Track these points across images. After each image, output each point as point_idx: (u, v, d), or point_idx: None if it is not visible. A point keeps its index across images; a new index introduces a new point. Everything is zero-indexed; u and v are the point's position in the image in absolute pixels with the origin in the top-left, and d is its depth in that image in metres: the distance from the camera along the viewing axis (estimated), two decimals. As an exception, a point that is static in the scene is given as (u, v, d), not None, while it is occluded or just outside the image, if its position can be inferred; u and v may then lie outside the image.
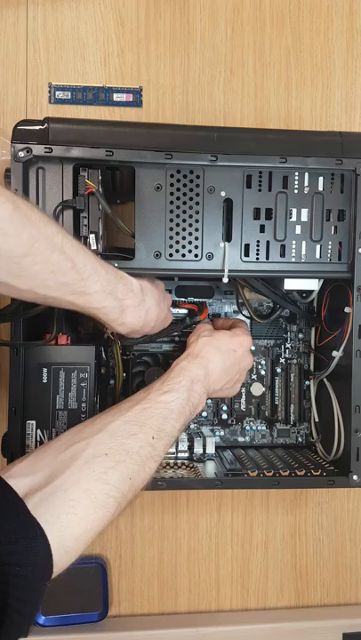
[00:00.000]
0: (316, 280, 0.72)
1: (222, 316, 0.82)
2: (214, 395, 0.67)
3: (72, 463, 0.49)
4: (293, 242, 0.69)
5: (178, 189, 0.66)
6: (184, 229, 0.67)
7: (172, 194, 0.66)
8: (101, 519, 0.48)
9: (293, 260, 0.69)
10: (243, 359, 0.69)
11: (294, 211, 0.68)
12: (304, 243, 0.69)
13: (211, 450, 0.76)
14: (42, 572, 0.44)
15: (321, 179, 0.68)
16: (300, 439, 0.83)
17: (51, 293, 0.56)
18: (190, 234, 0.67)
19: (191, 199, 0.67)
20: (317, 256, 0.69)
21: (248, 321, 0.82)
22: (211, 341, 0.67)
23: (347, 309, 0.70)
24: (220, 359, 0.66)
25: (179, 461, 0.74)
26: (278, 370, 0.83)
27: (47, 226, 0.53)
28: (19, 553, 0.41)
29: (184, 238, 0.67)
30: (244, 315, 0.82)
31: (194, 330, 0.72)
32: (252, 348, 0.82)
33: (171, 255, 0.67)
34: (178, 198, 0.67)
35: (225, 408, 0.82)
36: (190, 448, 0.77)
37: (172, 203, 0.66)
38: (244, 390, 0.82)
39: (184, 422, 0.59)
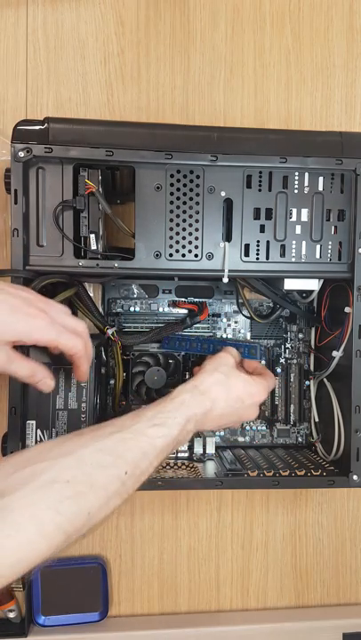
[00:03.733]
0: (316, 280, 0.72)
1: (222, 315, 0.82)
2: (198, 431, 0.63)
3: (28, 484, 0.44)
4: (293, 242, 0.69)
5: (178, 189, 0.66)
6: (184, 229, 0.67)
7: (172, 194, 0.66)
8: (45, 551, 0.43)
9: (293, 260, 0.69)
10: (247, 411, 0.65)
11: (294, 211, 0.69)
12: (304, 243, 0.69)
13: (211, 450, 0.76)
14: None
15: (321, 179, 0.68)
16: (300, 439, 0.83)
17: None
18: (190, 234, 0.67)
19: (191, 199, 0.67)
20: (317, 256, 0.69)
21: (248, 321, 0.82)
22: (224, 381, 0.62)
23: (347, 309, 0.70)
24: (225, 405, 0.62)
25: (179, 461, 0.74)
26: (278, 370, 0.83)
27: None
28: None
29: (184, 238, 0.67)
30: (244, 315, 0.82)
31: (214, 357, 0.67)
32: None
33: (171, 255, 0.67)
34: (178, 198, 0.67)
35: (225, 408, 0.82)
36: (190, 448, 0.77)
37: (172, 203, 0.66)
38: (244, 390, 0.82)
39: (163, 459, 0.55)
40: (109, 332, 0.73)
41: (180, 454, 0.76)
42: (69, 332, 0.57)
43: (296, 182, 0.68)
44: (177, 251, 0.67)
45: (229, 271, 0.68)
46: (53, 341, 0.56)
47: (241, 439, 0.82)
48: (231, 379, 0.64)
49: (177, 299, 0.80)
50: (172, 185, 0.66)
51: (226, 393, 0.62)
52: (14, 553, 0.41)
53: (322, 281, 0.73)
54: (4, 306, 0.53)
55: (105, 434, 0.51)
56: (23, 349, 0.59)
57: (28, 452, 0.50)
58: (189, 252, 0.67)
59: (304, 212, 0.69)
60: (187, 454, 0.76)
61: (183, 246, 0.67)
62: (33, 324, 0.54)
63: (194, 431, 0.60)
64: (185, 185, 0.66)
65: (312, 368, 0.82)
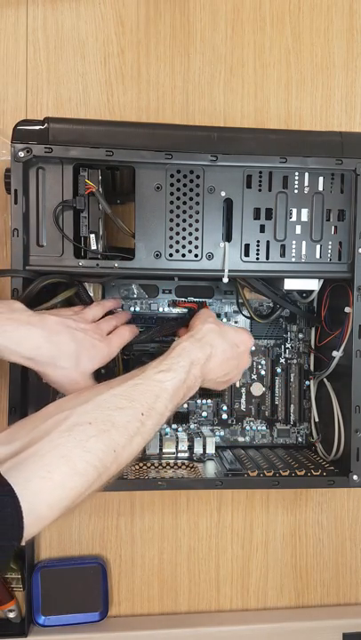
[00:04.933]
0: (316, 280, 0.72)
1: (222, 316, 0.82)
2: (206, 384, 0.65)
3: (52, 430, 0.47)
4: (293, 242, 0.69)
5: (178, 189, 0.66)
6: (184, 229, 0.67)
7: (172, 194, 0.66)
8: (79, 488, 0.45)
9: (293, 259, 0.69)
10: (242, 357, 0.68)
11: (294, 211, 0.69)
12: (304, 243, 0.69)
13: (211, 450, 0.76)
14: (8, 529, 0.40)
15: (321, 179, 0.68)
16: (300, 439, 0.83)
17: None
18: (190, 234, 0.67)
19: (191, 199, 0.67)
20: (317, 256, 0.69)
21: (248, 321, 0.82)
22: (217, 329, 0.65)
23: (347, 309, 0.70)
24: (223, 349, 0.64)
25: (179, 461, 0.74)
26: (278, 370, 0.83)
27: None
28: None
29: (184, 238, 0.67)
30: (244, 315, 0.82)
31: (197, 314, 0.71)
32: (253, 348, 0.82)
33: (171, 255, 0.67)
34: (178, 198, 0.67)
35: (225, 408, 0.82)
36: (190, 448, 0.77)
37: (172, 203, 0.66)
38: (244, 390, 0.82)
39: (177, 404, 0.58)
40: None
41: (180, 454, 0.76)
42: (118, 334, 0.67)
43: (296, 182, 0.68)
44: (177, 251, 0.67)
45: (229, 271, 0.68)
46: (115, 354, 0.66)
47: (241, 439, 0.82)
48: (222, 327, 0.66)
49: (177, 299, 0.80)
50: (172, 185, 0.66)
51: (222, 338, 0.64)
52: (51, 493, 0.43)
53: (322, 281, 0.73)
54: (90, 354, 0.63)
55: (116, 383, 0.55)
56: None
57: (47, 409, 0.53)
58: (189, 252, 0.67)
59: (304, 212, 0.69)
60: (187, 454, 0.76)
61: (183, 246, 0.67)
62: (103, 354, 0.64)
63: (201, 378, 0.62)
64: (185, 185, 0.66)
65: (312, 368, 0.82)
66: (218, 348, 0.63)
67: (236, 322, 0.82)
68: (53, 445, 0.45)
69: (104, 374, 0.77)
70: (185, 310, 0.80)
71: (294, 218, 0.69)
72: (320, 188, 0.69)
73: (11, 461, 0.44)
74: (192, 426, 0.81)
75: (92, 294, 0.75)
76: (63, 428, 0.47)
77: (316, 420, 0.81)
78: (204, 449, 0.76)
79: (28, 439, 0.47)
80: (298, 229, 0.69)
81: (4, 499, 0.40)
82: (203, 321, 0.67)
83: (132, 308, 0.80)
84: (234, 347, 0.66)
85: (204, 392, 0.81)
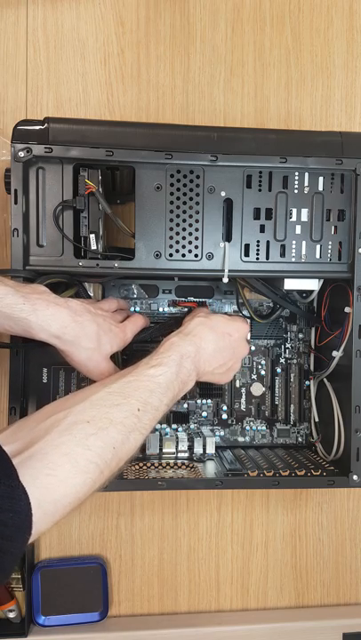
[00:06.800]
0: (316, 280, 0.72)
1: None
2: (205, 377, 0.66)
3: (52, 430, 0.48)
4: (293, 242, 0.69)
5: (178, 189, 0.66)
6: (184, 229, 0.67)
7: (172, 194, 0.66)
8: (82, 484, 0.47)
9: (293, 260, 0.69)
10: (238, 345, 0.68)
11: (294, 211, 0.69)
12: (304, 243, 0.69)
13: (211, 450, 0.76)
14: (22, 522, 0.41)
15: (321, 179, 0.68)
16: (300, 439, 0.83)
17: None
18: (190, 234, 0.67)
19: (191, 199, 0.67)
20: (317, 256, 0.69)
21: (248, 321, 0.82)
22: (205, 322, 0.66)
23: (347, 309, 0.70)
24: (214, 340, 0.65)
25: (179, 461, 0.74)
26: (278, 370, 0.83)
27: None
28: None
29: (184, 238, 0.67)
30: (244, 315, 0.81)
31: (191, 312, 0.73)
32: (250, 342, 0.82)
33: (171, 255, 0.67)
34: (178, 198, 0.67)
35: (225, 408, 0.82)
36: (190, 448, 0.77)
37: (172, 203, 0.66)
38: (244, 390, 0.82)
39: (172, 398, 0.58)
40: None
41: (180, 454, 0.76)
42: (131, 321, 0.70)
43: (296, 182, 0.68)
44: (177, 251, 0.67)
45: (229, 271, 0.68)
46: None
47: (241, 439, 0.82)
48: (211, 319, 0.67)
49: (177, 299, 0.80)
50: (172, 185, 0.66)
51: (211, 330, 0.66)
52: (56, 489, 0.45)
53: (322, 281, 0.73)
54: (108, 337, 0.64)
55: (110, 381, 0.57)
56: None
57: (44, 409, 0.55)
58: (189, 252, 0.67)
59: (304, 212, 0.69)
60: (187, 454, 0.76)
61: (183, 246, 0.67)
62: (118, 339, 0.66)
63: (195, 372, 0.63)
64: (185, 185, 0.67)
65: (312, 368, 0.82)
66: (207, 341, 0.64)
67: (235, 311, 0.81)
68: (55, 444, 0.47)
69: (126, 359, 0.77)
70: (185, 310, 0.80)
71: (294, 218, 0.69)
72: (320, 188, 0.69)
73: (15, 460, 0.44)
74: (192, 426, 0.81)
75: (91, 294, 0.75)
76: (62, 427, 0.48)
77: (316, 419, 0.81)
78: (204, 449, 0.76)
79: (29, 439, 0.48)
80: (298, 229, 0.69)
81: (19, 493, 0.41)
82: (192, 317, 0.68)
83: (132, 308, 0.80)
84: (225, 336, 0.66)
85: (204, 392, 0.81)
